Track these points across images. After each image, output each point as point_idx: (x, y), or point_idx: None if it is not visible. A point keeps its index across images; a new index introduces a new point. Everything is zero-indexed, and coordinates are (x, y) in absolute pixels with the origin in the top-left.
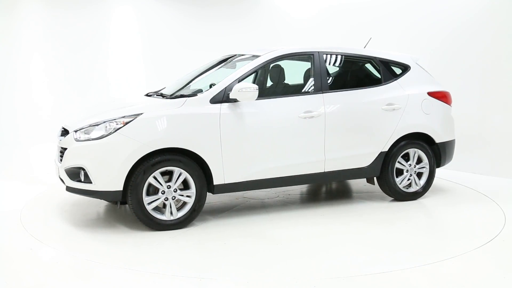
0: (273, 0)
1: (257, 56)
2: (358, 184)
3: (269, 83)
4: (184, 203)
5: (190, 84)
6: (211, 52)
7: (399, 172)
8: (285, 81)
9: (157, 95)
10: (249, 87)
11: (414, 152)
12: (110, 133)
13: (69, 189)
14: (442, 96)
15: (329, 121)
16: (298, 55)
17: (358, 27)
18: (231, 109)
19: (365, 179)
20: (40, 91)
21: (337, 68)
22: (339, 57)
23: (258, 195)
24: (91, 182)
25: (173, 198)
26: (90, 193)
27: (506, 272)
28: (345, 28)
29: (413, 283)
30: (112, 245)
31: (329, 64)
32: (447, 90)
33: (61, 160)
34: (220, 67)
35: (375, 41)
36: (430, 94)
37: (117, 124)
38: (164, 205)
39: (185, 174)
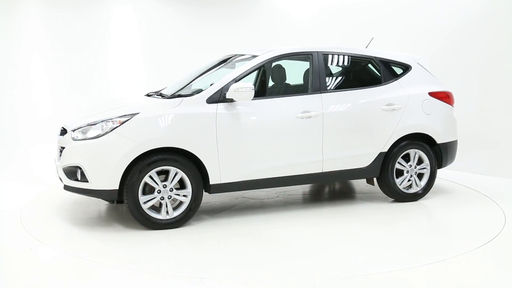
0: (273, 0)
1: (256, 56)
2: (360, 185)
3: (270, 83)
4: (180, 203)
5: (190, 84)
6: (211, 52)
7: (400, 173)
8: (286, 81)
9: (157, 95)
10: (245, 87)
11: (415, 153)
12: (106, 133)
13: (66, 187)
14: (443, 97)
15: (327, 121)
16: (296, 55)
17: (358, 27)
18: (228, 109)
19: (365, 179)
20: (40, 91)
21: (336, 68)
22: (338, 57)
23: (258, 195)
24: (87, 181)
25: (169, 197)
26: (86, 191)
27: (506, 272)
28: (345, 28)
29: (413, 283)
30: (112, 244)
31: (328, 64)
32: (449, 91)
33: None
34: (221, 67)
35: (376, 41)
36: (431, 94)
37: (113, 123)
38: (161, 205)
39: (181, 174)
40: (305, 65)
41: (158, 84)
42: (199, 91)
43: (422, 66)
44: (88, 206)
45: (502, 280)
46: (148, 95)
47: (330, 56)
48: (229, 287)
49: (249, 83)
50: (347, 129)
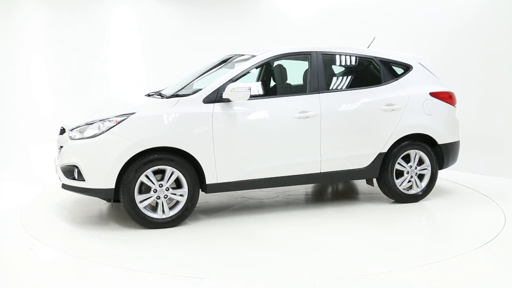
0: (273, 0)
1: (255, 56)
2: (361, 185)
3: (271, 83)
4: (177, 202)
5: (190, 84)
6: (211, 52)
7: (401, 173)
8: (287, 81)
9: (157, 95)
10: (241, 87)
11: (415, 154)
12: (103, 132)
13: (64, 186)
14: (445, 97)
15: (325, 121)
16: (295, 55)
17: (358, 27)
18: (224, 109)
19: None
20: (40, 91)
21: (335, 68)
22: (337, 57)
23: (258, 195)
24: (84, 180)
25: (165, 197)
26: (83, 190)
27: (506, 272)
28: (345, 28)
29: (413, 283)
30: (113, 244)
31: (327, 64)
32: (451, 91)
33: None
34: (221, 67)
35: (377, 41)
36: (432, 94)
37: (110, 123)
38: (157, 204)
39: (177, 173)
40: (304, 65)
41: (158, 84)
42: (199, 91)
43: (424, 67)
44: (88, 205)
45: (502, 280)
46: (148, 95)
47: (328, 56)
48: (229, 287)
49: (246, 83)
50: (345, 129)
